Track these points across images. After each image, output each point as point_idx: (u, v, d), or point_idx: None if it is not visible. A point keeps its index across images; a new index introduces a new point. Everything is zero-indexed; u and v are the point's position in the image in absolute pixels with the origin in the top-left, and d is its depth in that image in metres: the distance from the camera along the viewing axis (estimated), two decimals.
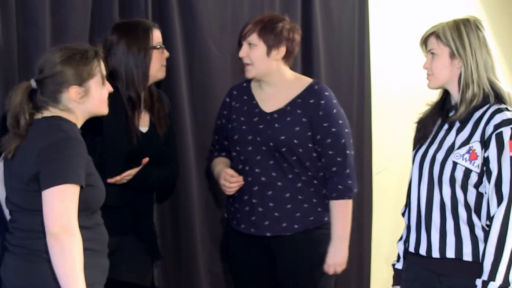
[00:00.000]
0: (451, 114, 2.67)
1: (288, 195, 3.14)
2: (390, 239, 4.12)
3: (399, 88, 4.52)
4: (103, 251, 2.60)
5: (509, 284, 2.49)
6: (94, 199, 2.56)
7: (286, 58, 3.17)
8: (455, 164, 2.58)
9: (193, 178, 3.55)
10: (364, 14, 4.25)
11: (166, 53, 3.16)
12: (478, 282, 2.51)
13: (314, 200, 3.17)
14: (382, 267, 4.35)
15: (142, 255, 3.18)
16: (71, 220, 2.38)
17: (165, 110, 3.20)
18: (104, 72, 2.63)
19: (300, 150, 3.13)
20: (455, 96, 2.67)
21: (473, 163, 2.56)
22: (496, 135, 2.53)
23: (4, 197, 2.64)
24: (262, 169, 3.15)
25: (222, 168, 3.23)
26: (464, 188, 2.58)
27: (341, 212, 3.16)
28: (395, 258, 2.87)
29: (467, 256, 2.59)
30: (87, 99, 2.58)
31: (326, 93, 3.17)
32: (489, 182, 2.54)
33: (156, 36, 3.10)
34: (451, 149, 2.61)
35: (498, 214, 2.50)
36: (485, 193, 2.57)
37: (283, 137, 3.12)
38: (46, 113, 2.55)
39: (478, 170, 2.56)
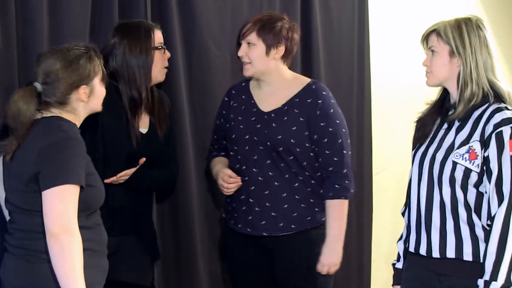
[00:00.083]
0: (450, 113, 2.67)
1: (285, 194, 3.14)
2: (390, 238, 4.12)
3: (399, 88, 4.52)
4: (103, 251, 2.60)
5: (511, 284, 2.49)
6: (94, 200, 2.56)
7: (285, 57, 3.17)
8: (455, 164, 2.58)
9: (192, 178, 3.55)
10: (364, 14, 4.25)
11: (168, 54, 3.17)
12: (480, 282, 2.51)
13: (312, 200, 3.17)
14: (382, 267, 4.35)
15: (142, 255, 3.17)
16: (70, 220, 2.38)
17: (165, 111, 3.20)
18: (104, 69, 2.64)
19: (297, 149, 3.12)
20: (454, 95, 2.67)
21: (473, 163, 2.56)
22: (496, 134, 2.53)
23: (3, 198, 2.63)
24: (259, 168, 3.15)
25: (220, 168, 3.23)
26: (464, 188, 2.58)
27: (337, 212, 3.15)
28: (395, 258, 2.87)
29: (467, 256, 2.59)
30: (92, 98, 2.60)
31: (324, 93, 3.17)
32: (489, 181, 2.54)
33: (158, 36, 3.10)
34: (450, 149, 2.61)
35: (499, 213, 2.50)
36: (486, 192, 2.56)
37: (280, 137, 3.12)
38: (46, 113, 2.55)
39: (478, 170, 2.56)
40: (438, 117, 2.71)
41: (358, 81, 4.25)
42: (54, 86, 2.52)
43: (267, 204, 3.15)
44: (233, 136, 3.21)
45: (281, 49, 3.13)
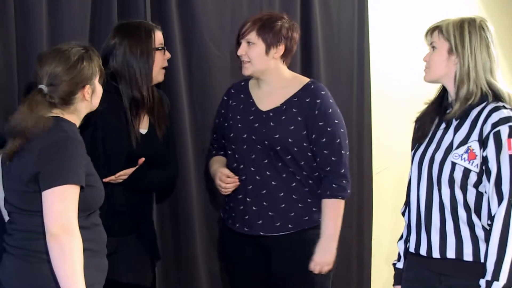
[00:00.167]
0: (448, 111, 2.67)
1: (282, 194, 3.14)
2: (390, 238, 4.12)
3: (398, 87, 4.52)
4: (102, 251, 2.60)
5: None
6: (93, 200, 2.56)
7: (285, 56, 3.17)
8: (454, 164, 2.57)
9: (192, 178, 3.55)
10: (364, 14, 4.25)
11: (168, 55, 3.17)
12: (482, 282, 2.50)
13: (309, 200, 3.17)
14: (382, 267, 4.35)
15: (142, 256, 3.17)
16: (70, 220, 2.38)
17: (165, 111, 3.19)
18: (102, 68, 2.65)
19: (295, 149, 3.12)
20: (452, 93, 2.66)
21: (472, 163, 2.55)
22: (494, 133, 2.52)
23: (2, 198, 2.63)
24: (256, 167, 3.15)
25: (218, 167, 3.23)
26: (464, 188, 2.57)
27: (333, 212, 3.15)
28: (395, 258, 2.87)
29: (468, 256, 2.58)
30: (93, 96, 2.61)
31: (323, 92, 3.17)
32: (488, 181, 2.53)
33: (158, 37, 3.10)
34: (449, 149, 2.60)
35: (499, 213, 2.50)
36: (485, 192, 2.56)
37: (277, 136, 3.12)
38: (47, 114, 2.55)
39: (477, 170, 2.55)
40: (436, 116, 2.71)
41: (358, 81, 4.25)
42: (59, 87, 2.53)
43: (264, 203, 3.15)
44: (231, 135, 3.21)
45: (281, 49, 3.13)
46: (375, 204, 4.39)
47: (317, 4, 4.00)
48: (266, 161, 3.14)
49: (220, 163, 3.28)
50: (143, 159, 3.04)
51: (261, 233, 3.16)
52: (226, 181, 3.16)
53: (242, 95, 3.25)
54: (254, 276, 3.25)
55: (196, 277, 3.61)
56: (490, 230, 2.51)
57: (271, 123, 3.14)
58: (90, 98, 2.59)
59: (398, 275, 2.83)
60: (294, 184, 3.15)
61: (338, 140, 3.14)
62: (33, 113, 2.47)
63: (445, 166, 2.59)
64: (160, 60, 3.10)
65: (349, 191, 3.18)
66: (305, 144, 3.13)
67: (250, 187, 3.16)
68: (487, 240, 2.53)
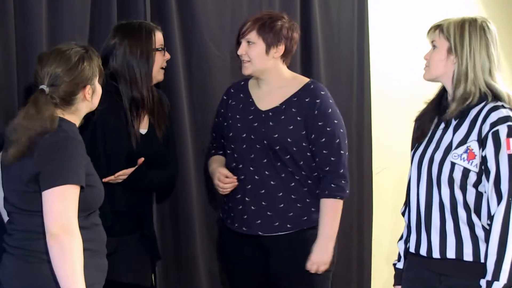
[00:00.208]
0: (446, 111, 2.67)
1: (281, 194, 3.14)
2: (390, 238, 4.12)
3: (398, 87, 4.51)
4: (102, 251, 2.60)
5: None
6: (93, 200, 2.56)
7: (285, 56, 3.17)
8: (453, 164, 2.57)
9: (192, 178, 3.55)
10: (364, 14, 4.25)
11: (167, 55, 3.17)
12: (483, 283, 2.50)
13: (308, 200, 3.16)
14: (382, 267, 4.35)
15: (142, 256, 3.17)
16: (70, 220, 2.38)
17: (164, 112, 3.19)
18: (101, 67, 2.65)
19: (294, 148, 3.12)
20: (450, 93, 2.66)
21: (471, 163, 2.55)
22: (493, 133, 2.52)
23: (1, 198, 2.63)
24: (255, 167, 3.15)
25: (216, 166, 3.23)
26: (463, 188, 2.57)
27: (331, 211, 3.14)
28: (395, 258, 2.87)
29: (468, 256, 2.58)
30: (94, 96, 2.62)
31: (322, 92, 3.17)
32: (488, 181, 2.53)
33: (159, 38, 3.10)
34: (448, 149, 2.60)
35: (498, 213, 2.50)
36: (485, 192, 2.56)
37: (276, 135, 3.12)
38: None
39: (477, 170, 2.55)
40: (435, 115, 2.71)
41: (358, 81, 4.25)
42: (60, 88, 2.53)
43: (263, 203, 3.15)
44: (231, 134, 3.21)
45: (281, 48, 3.13)
46: (375, 204, 4.39)
47: (317, 4, 4.00)
48: (265, 160, 3.14)
49: (219, 162, 3.28)
50: (142, 159, 3.04)
51: (260, 233, 3.16)
52: (225, 181, 3.16)
53: (241, 95, 3.25)
54: (253, 276, 3.25)
55: (196, 277, 3.61)
56: (490, 230, 2.51)
57: (270, 123, 3.14)
58: (90, 98, 2.59)
59: (399, 275, 2.83)
60: (293, 184, 3.14)
61: (338, 140, 3.14)
62: (40, 114, 2.47)
63: (445, 166, 2.59)
64: (160, 60, 3.11)
65: (347, 191, 3.18)
66: (304, 144, 3.13)
67: (249, 186, 3.16)
68: (487, 240, 2.53)
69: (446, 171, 2.58)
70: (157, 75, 3.12)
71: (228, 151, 3.24)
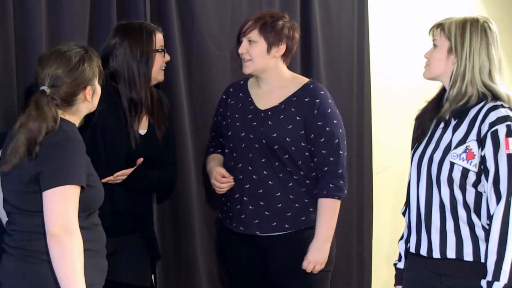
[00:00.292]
0: None
1: (279, 194, 3.14)
2: (390, 238, 4.12)
3: (398, 87, 4.51)
4: (101, 252, 2.60)
5: None
6: (93, 200, 2.56)
7: (285, 56, 3.17)
8: (452, 164, 2.57)
9: (192, 178, 3.55)
10: (364, 13, 4.24)
11: (167, 57, 3.17)
12: (483, 283, 2.50)
13: (306, 200, 3.16)
14: (382, 267, 4.35)
15: (142, 256, 3.17)
16: (71, 220, 2.38)
17: (164, 112, 3.19)
18: (101, 67, 2.64)
19: (293, 148, 3.12)
20: (447, 92, 2.66)
21: (470, 163, 2.55)
22: (492, 133, 2.52)
23: (1, 199, 2.63)
24: (254, 166, 3.15)
25: (214, 165, 3.24)
26: (463, 188, 2.57)
27: (329, 211, 3.14)
28: (396, 258, 2.86)
29: (468, 256, 2.58)
30: (94, 97, 2.62)
31: (322, 92, 3.17)
32: (487, 180, 2.53)
33: (159, 39, 3.10)
34: (448, 149, 2.60)
35: (498, 212, 2.50)
36: (484, 192, 2.56)
37: (275, 135, 3.11)
38: None
39: (476, 169, 2.55)
40: (435, 114, 2.70)
41: (358, 81, 4.24)
42: (61, 89, 2.53)
43: (261, 203, 3.14)
44: (229, 133, 3.21)
45: (282, 48, 3.13)
46: (375, 204, 4.38)
47: (317, 4, 3.99)
48: (264, 160, 3.14)
49: (216, 161, 3.28)
50: (141, 159, 3.04)
51: (257, 233, 3.16)
52: (221, 181, 3.17)
53: (240, 94, 3.25)
54: (252, 276, 3.25)
55: (196, 277, 3.61)
56: (489, 230, 2.51)
57: (269, 122, 3.14)
58: (91, 98, 2.59)
59: (399, 275, 2.83)
60: (291, 184, 3.14)
61: (337, 140, 3.14)
62: (42, 116, 2.46)
63: (444, 166, 2.59)
64: (159, 61, 3.11)
65: (345, 191, 3.18)
66: (302, 144, 3.13)
67: (247, 186, 3.16)
68: (487, 239, 2.53)
69: (445, 171, 2.58)
70: (157, 75, 3.12)
71: (227, 150, 3.24)
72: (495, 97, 2.58)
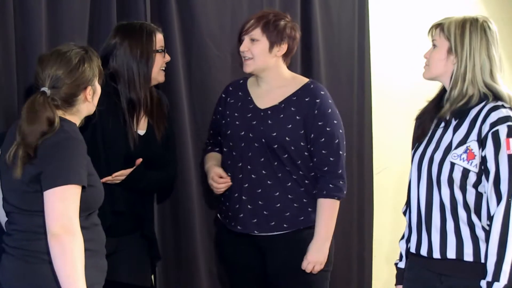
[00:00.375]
0: None
1: (277, 193, 3.14)
2: (391, 238, 4.12)
3: (399, 87, 4.51)
4: (101, 252, 2.60)
5: None
6: (93, 200, 2.56)
7: (286, 56, 3.17)
8: (452, 164, 2.57)
9: (192, 178, 3.55)
10: (364, 13, 4.24)
11: (167, 57, 3.17)
12: (483, 284, 2.50)
13: (305, 200, 3.16)
14: (383, 267, 4.35)
15: (142, 256, 3.17)
16: (72, 220, 2.38)
17: (163, 112, 3.19)
18: (101, 67, 2.64)
19: (292, 147, 3.12)
20: (448, 93, 2.66)
21: (471, 163, 2.55)
22: (492, 133, 2.51)
23: (0, 199, 2.63)
24: (253, 166, 3.15)
25: (211, 165, 3.24)
26: (463, 189, 2.57)
27: (328, 212, 3.14)
28: (396, 257, 2.86)
29: (468, 256, 2.58)
30: (94, 97, 2.62)
31: (322, 92, 3.17)
32: (487, 181, 2.53)
33: (159, 39, 3.10)
34: (448, 149, 2.60)
35: (498, 213, 2.49)
36: (485, 192, 2.56)
37: (275, 134, 3.11)
38: None
39: (476, 170, 2.55)
40: (435, 114, 2.70)
41: (359, 81, 4.24)
42: (62, 90, 2.53)
43: (259, 202, 3.15)
44: (229, 132, 3.21)
45: (284, 47, 3.13)
46: (375, 204, 4.38)
47: (317, 4, 3.99)
48: (262, 159, 3.13)
49: (215, 160, 3.28)
50: (140, 159, 3.03)
51: (256, 232, 3.16)
52: (218, 181, 3.17)
53: (240, 93, 3.25)
54: (251, 276, 3.25)
55: (196, 277, 3.61)
56: (489, 230, 2.51)
57: (269, 121, 3.14)
58: (91, 99, 2.60)
59: (400, 275, 2.83)
60: (289, 183, 3.14)
61: (337, 140, 3.13)
62: (40, 117, 2.46)
63: (444, 166, 2.58)
64: (159, 62, 3.10)
65: (345, 192, 3.18)
66: (302, 144, 3.13)
67: (246, 185, 3.16)
68: (487, 240, 2.52)
69: (445, 171, 2.58)
70: (158, 76, 3.12)
71: (225, 149, 3.24)
72: (496, 97, 2.57)
